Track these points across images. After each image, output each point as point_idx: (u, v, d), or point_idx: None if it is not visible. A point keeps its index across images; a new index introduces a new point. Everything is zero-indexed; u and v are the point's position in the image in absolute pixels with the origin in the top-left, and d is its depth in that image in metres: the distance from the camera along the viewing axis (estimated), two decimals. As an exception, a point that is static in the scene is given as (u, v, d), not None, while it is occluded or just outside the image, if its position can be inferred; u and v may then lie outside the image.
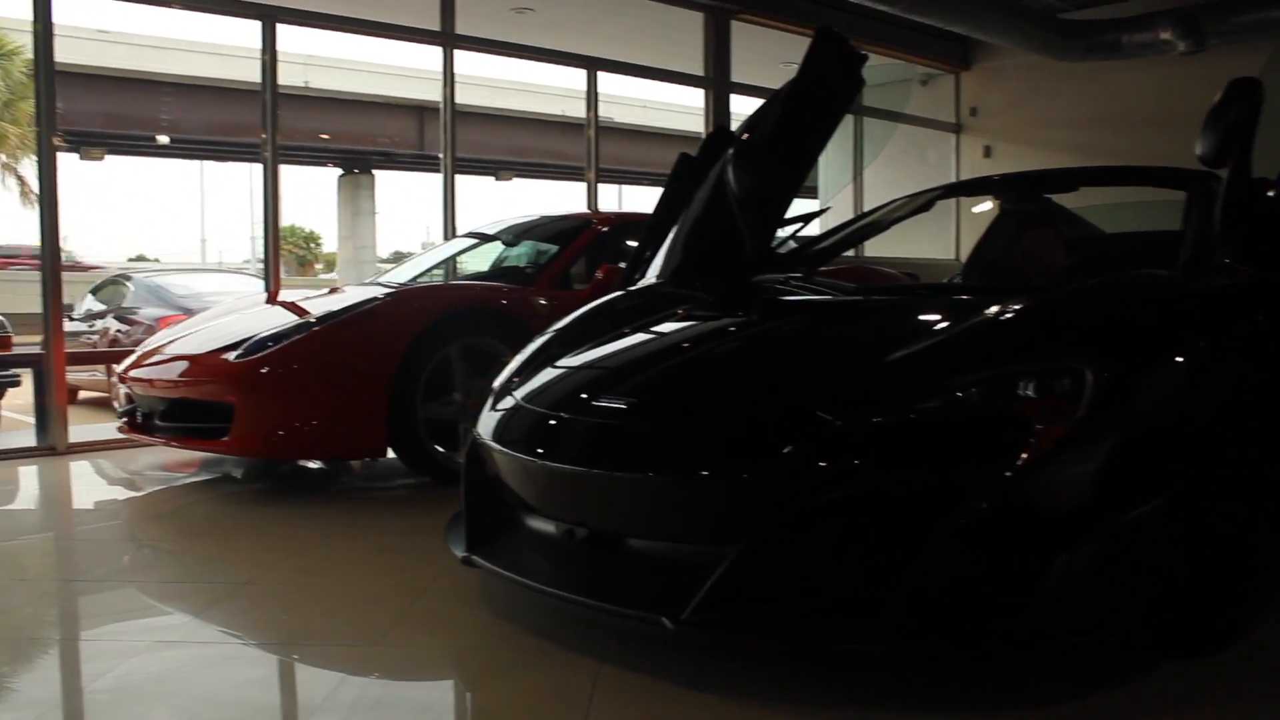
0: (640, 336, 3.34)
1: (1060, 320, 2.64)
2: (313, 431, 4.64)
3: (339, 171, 32.08)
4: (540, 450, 2.80)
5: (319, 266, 50.85)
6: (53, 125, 6.02)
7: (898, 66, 12.03)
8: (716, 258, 3.92)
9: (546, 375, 3.19)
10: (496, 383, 3.34)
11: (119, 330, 9.03)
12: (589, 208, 8.94)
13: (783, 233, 4.13)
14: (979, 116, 12.47)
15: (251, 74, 7.25)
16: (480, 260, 6.91)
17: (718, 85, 9.93)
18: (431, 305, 5.01)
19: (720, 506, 2.45)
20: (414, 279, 6.19)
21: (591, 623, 2.82)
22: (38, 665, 2.80)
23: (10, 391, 8.03)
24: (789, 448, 2.38)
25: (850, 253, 6.05)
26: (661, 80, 10.21)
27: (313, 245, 55.38)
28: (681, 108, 21.66)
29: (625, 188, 31.95)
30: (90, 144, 23.85)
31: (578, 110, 9.86)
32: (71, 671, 2.77)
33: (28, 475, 5.49)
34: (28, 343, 6.44)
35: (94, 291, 10.58)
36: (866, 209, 6.36)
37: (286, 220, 51.49)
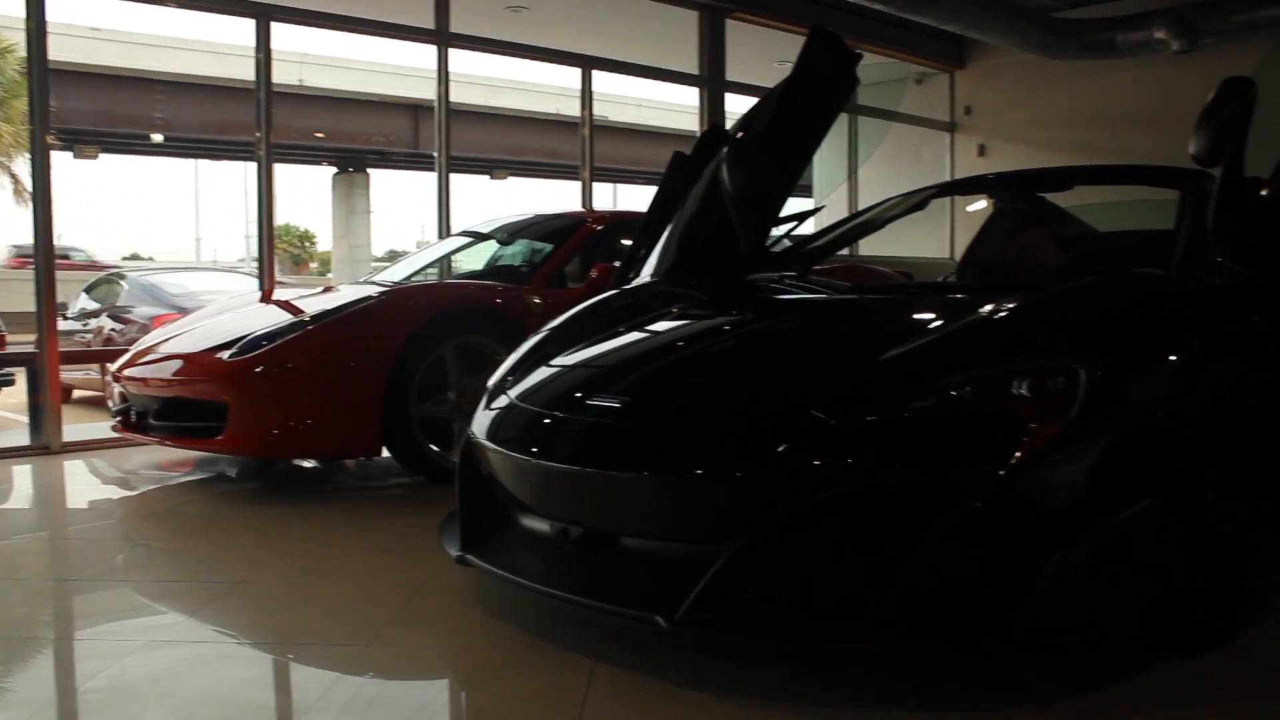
0: (634, 335, 3.34)
1: (1054, 319, 2.64)
2: (307, 430, 4.63)
3: (334, 170, 32.08)
4: (535, 449, 2.80)
5: (314, 265, 50.80)
6: (46, 123, 6.01)
7: (892, 65, 12.04)
8: (711, 256, 3.92)
9: (541, 374, 3.19)
10: (491, 381, 3.34)
11: (113, 329, 9.02)
12: (584, 206, 8.93)
13: (777, 231, 4.13)
14: (973, 115, 12.49)
15: (246, 72, 7.25)
16: (475, 259, 6.91)
17: (713, 84, 9.92)
18: (426, 304, 5.01)
19: (715, 505, 2.45)
20: (408, 278, 6.18)
21: (586, 621, 2.82)
22: (32, 665, 2.79)
23: (4, 390, 8.01)
24: (783, 446, 2.39)
25: (845, 251, 6.05)
26: (656, 79, 10.21)
27: (307, 244, 55.35)
28: (676, 106, 21.70)
29: (620, 186, 31.99)
30: (84, 142, 23.84)
31: (572, 109, 9.86)
32: (65, 671, 2.77)
33: (21, 474, 5.48)
34: (22, 341, 6.42)
35: (88, 290, 10.55)
36: (861, 208, 6.36)
37: (281, 219, 51.45)
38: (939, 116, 12.62)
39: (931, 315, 2.88)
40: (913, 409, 2.39)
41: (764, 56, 10.56)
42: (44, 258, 6.00)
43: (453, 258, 7.04)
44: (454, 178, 8.20)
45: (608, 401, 2.84)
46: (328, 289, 5.81)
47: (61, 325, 7.09)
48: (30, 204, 6.09)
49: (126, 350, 5.62)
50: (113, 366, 5.45)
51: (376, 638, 2.83)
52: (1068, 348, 2.43)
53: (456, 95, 8.30)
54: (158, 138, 25.12)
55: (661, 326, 3.40)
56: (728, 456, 2.47)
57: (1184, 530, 2.41)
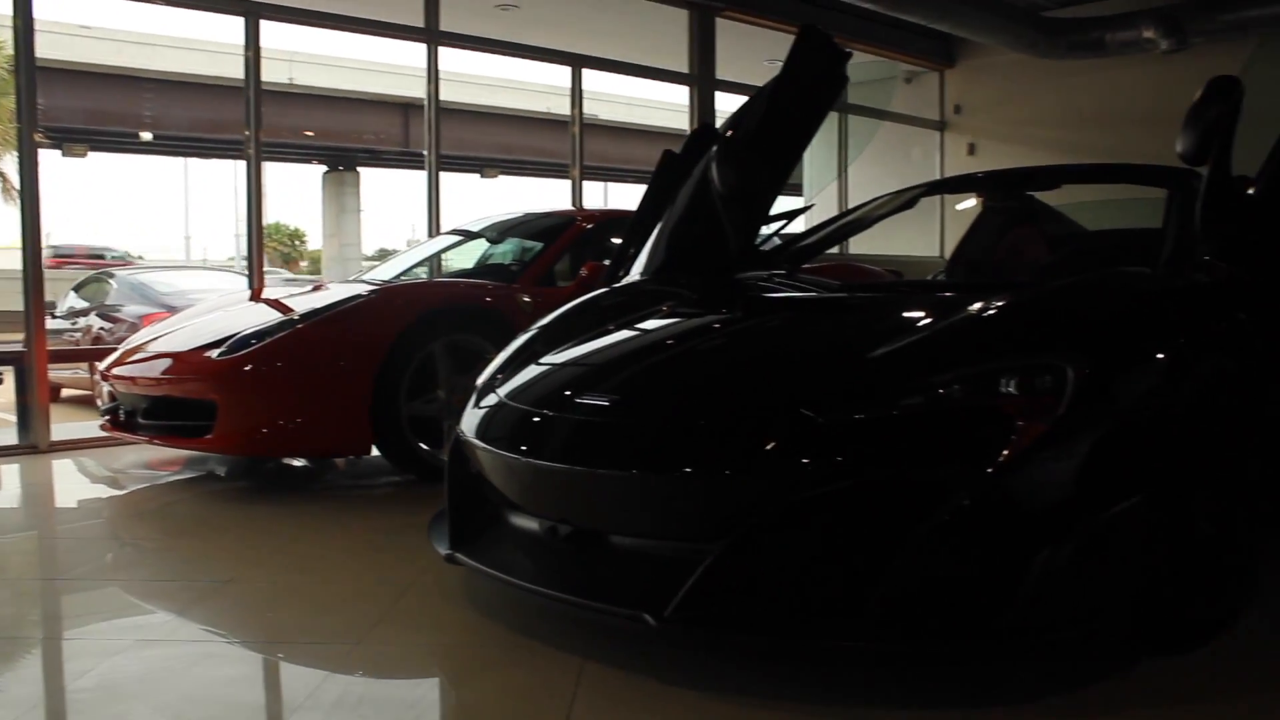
0: (624, 334, 3.34)
1: (1042, 318, 2.65)
2: (296, 429, 4.63)
3: (324, 169, 32.01)
4: (524, 447, 2.80)
5: (304, 264, 50.67)
6: (34, 121, 5.99)
7: (882, 64, 12.07)
8: (700, 255, 3.93)
9: (530, 372, 3.19)
10: (480, 380, 3.34)
11: (102, 328, 8.99)
12: (574, 205, 8.93)
13: (767, 230, 4.13)
14: (963, 114, 12.52)
15: (235, 70, 7.22)
16: (465, 257, 6.90)
17: (702, 82, 9.94)
18: (415, 302, 5.01)
19: (703, 503, 2.45)
20: (398, 276, 6.17)
21: (575, 620, 2.82)
22: (19, 664, 2.78)
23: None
24: (772, 445, 2.39)
25: (834, 250, 6.06)
26: (646, 77, 10.22)
27: (297, 243, 55.19)
28: (666, 105, 21.69)
29: (610, 185, 32.00)
30: (73, 140, 23.75)
31: (563, 107, 9.85)
32: (53, 670, 2.76)
33: (9, 473, 5.46)
34: (10, 340, 6.40)
35: (76, 289, 10.51)
36: (850, 206, 6.37)
37: (271, 218, 51.37)
38: (929, 115, 12.65)
39: (920, 313, 2.89)
40: (901, 407, 2.40)
41: (754, 55, 10.58)
42: (31, 255, 5.98)
43: (443, 256, 7.03)
44: (444, 176, 8.21)
45: (597, 400, 2.84)
46: (317, 287, 5.80)
47: (50, 324, 7.07)
48: (18, 202, 6.07)
49: (115, 349, 5.61)
50: (101, 365, 5.44)
51: (365, 636, 2.83)
52: (1056, 346, 2.43)
53: (446, 94, 8.30)
54: (147, 136, 25.06)
55: (651, 325, 3.40)
56: (716, 454, 2.47)
57: (1171, 527, 2.42)
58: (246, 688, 2.61)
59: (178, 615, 3.09)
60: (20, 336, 6.09)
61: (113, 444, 5.87)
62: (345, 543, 3.90)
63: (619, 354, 3.20)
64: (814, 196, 12.16)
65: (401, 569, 3.44)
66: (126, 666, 2.65)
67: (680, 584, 2.35)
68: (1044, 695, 2.37)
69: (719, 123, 4.72)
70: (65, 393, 9.42)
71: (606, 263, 4.57)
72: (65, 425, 6.50)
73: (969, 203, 6.18)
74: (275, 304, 5.30)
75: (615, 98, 25.21)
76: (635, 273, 4.02)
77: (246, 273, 7.54)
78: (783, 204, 4.12)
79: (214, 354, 4.73)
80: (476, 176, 30.95)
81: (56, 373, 7.76)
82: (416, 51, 8.09)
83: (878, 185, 7.03)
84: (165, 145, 28.16)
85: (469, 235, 6.60)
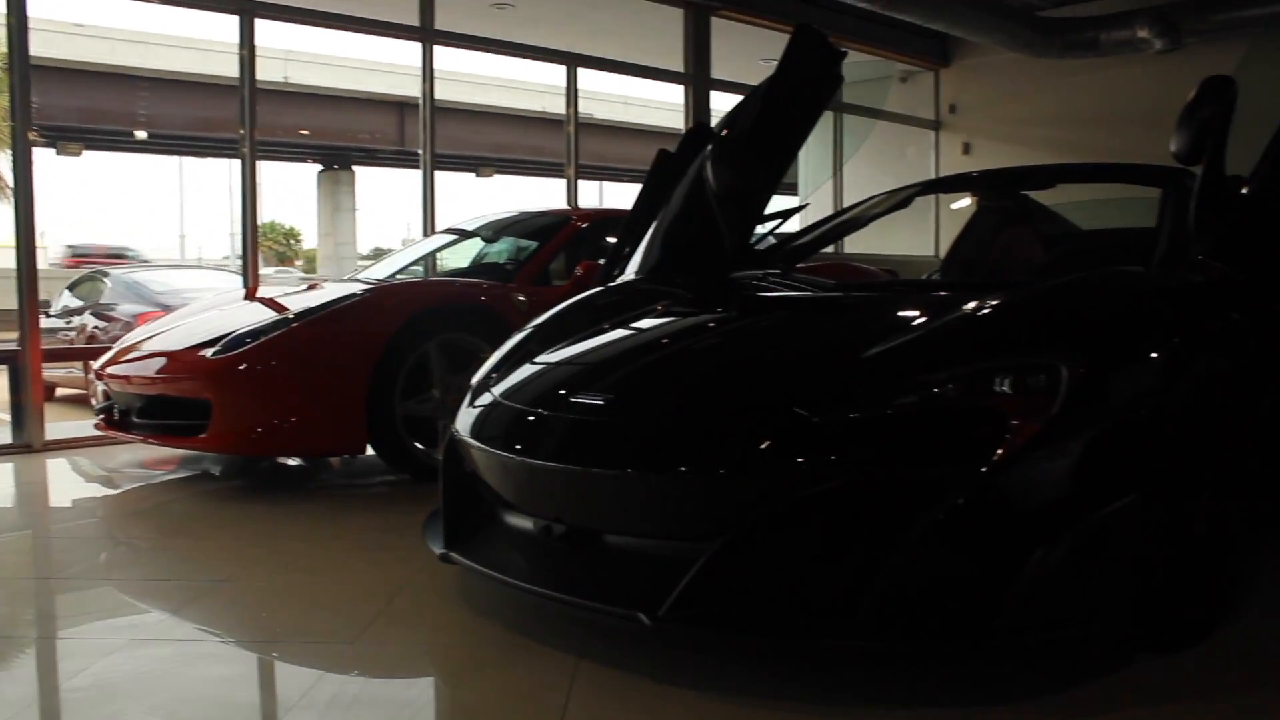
0: (619, 333, 3.34)
1: (1037, 317, 2.66)
2: (291, 428, 4.62)
3: (319, 167, 32.00)
4: (518, 447, 2.80)
5: (299, 263, 50.61)
6: (28, 120, 5.98)
7: (877, 63, 12.07)
8: (695, 254, 3.93)
9: (525, 371, 3.19)
10: (475, 379, 3.33)
11: (96, 326, 8.97)
12: (569, 204, 8.93)
13: (761, 229, 4.13)
14: (958, 113, 12.53)
15: (230, 69, 7.23)
16: (460, 256, 6.90)
17: (697, 81, 9.93)
18: (410, 301, 5.00)
19: (697, 502, 2.45)
20: (393, 275, 6.17)
21: (570, 619, 2.82)
22: (14, 663, 2.78)
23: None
24: (766, 444, 2.39)
25: (829, 249, 6.07)
26: (641, 76, 10.20)
27: (292, 241, 55.14)
28: (661, 104, 21.71)
29: (606, 184, 31.98)
30: (67, 139, 23.72)
31: (558, 106, 9.86)
32: (48, 669, 2.76)
33: (3, 473, 5.45)
34: (4, 338, 6.38)
35: (71, 288, 10.49)
36: (845, 205, 6.38)
37: (266, 216, 51.28)
38: (924, 115, 12.65)
39: (915, 313, 2.89)
40: (895, 406, 2.40)
41: (749, 54, 10.58)
42: (25, 253, 5.96)
43: (438, 255, 7.02)
44: (439, 175, 8.20)
45: (591, 399, 2.84)
46: (312, 286, 5.79)
47: (44, 323, 7.06)
48: (12, 200, 6.05)
49: (110, 348, 5.60)
50: (96, 364, 5.43)
51: (360, 635, 2.83)
52: (1050, 345, 2.44)
53: (442, 93, 8.29)
54: (141, 134, 25.01)
55: (646, 324, 3.40)
56: (711, 453, 2.47)
57: (1167, 526, 2.43)
58: (241, 687, 2.60)
59: (172, 614, 3.08)
60: (14, 335, 6.07)
61: (107, 443, 5.86)
62: (340, 542, 3.90)
63: (614, 353, 3.20)
64: (809, 196, 12.16)
65: (396, 568, 3.44)
66: (121, 666, 2.65)
67: (675, 583, 2.36)
68: (1043, 695, 2.37)
69: (714, 122, 4.72)
70: (60, 392, 9.40)
71: (601, 262, 4.57)
72: (60, 424, 6.49)
73: (964, 202, 6.19)
74: (270, 303, 5.29)
75: (610, 97, 25.22)
76: (630, 272, 4.02)
77: (241, 273, 7.53)
78: (777, 203, 4.11)
79: (209, 353, 4.72)
80: (472, 175, 30.95)
81: (51, 372, 7.75)
82: (412, 50, 8.08)
83: (873, 185, 7.04)
84: (160, 144, 28.13)
85: (464, 234, 6.60)
